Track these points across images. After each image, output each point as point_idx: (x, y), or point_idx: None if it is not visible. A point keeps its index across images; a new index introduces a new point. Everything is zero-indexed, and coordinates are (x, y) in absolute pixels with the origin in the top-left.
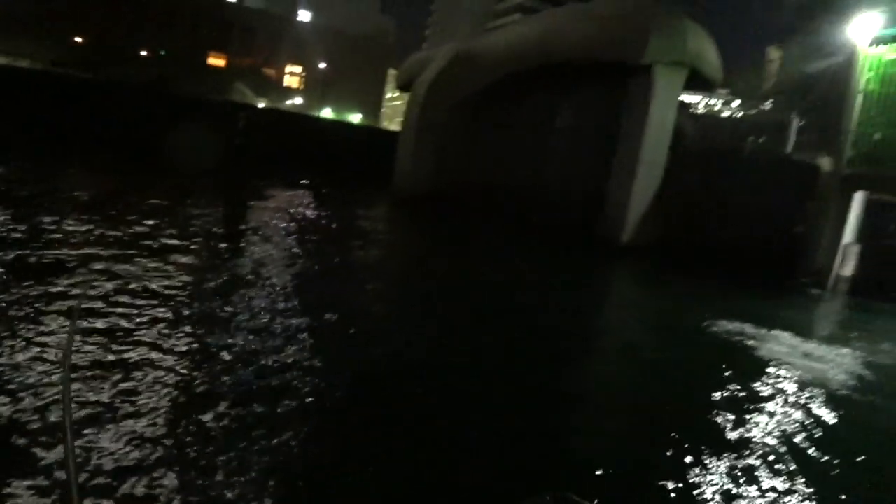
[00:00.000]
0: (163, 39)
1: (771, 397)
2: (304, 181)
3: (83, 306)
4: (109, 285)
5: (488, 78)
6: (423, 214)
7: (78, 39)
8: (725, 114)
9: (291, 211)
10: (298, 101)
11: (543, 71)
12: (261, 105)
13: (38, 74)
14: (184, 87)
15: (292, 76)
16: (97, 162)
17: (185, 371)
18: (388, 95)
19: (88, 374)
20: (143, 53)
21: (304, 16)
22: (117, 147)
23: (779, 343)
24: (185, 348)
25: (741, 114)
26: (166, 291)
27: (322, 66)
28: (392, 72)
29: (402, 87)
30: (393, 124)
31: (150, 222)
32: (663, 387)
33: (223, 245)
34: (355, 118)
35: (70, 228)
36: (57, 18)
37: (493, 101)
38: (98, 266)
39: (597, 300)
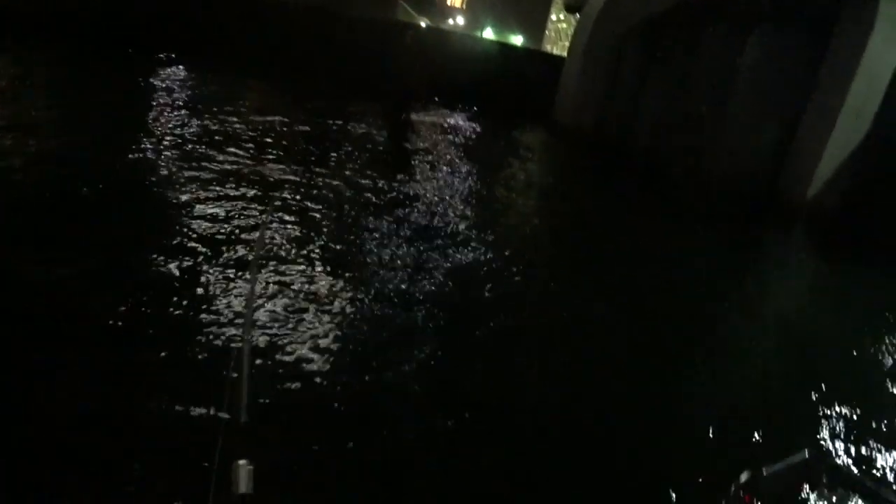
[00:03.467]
0: None
1: None
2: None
3: None
4: None
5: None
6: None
7: None
8: None
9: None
10: (460, 21)
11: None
12: (423, 24)
13: None
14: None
15: None
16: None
17: None
18: (553, 17)
19: None
20: None
21: None
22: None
23: None
24: None
25: None
26: None
27: None
28: None
29: (570, 7)
30: (556, 48)
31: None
32: None
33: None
34: (517, 40)
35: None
36: None
37: (666, 34)
38: None
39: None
